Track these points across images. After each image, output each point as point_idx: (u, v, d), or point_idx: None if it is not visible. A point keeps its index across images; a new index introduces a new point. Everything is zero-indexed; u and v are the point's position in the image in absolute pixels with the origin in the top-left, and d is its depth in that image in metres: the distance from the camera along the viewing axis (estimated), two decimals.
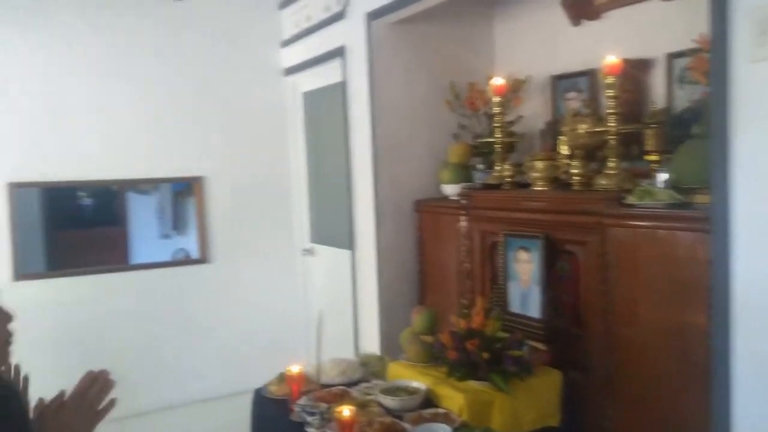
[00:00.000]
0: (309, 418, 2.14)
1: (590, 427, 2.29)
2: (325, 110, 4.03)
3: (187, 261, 4.25)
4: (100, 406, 1.33)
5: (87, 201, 4.32)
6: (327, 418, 2.12)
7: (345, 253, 3.68)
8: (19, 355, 1.41)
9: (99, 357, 1.98)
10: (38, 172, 3.70)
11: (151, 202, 4.51)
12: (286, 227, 4.42)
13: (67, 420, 1.28)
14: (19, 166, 3.65)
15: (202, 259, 4.20)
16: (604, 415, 2.23)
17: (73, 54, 3.75)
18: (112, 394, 1.36)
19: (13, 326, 1.33)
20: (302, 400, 2.26)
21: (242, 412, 2.66)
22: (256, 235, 4.31)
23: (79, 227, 4.26)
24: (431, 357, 2.45)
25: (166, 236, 4.57)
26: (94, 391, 1.33)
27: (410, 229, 3.37)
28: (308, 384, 2.43)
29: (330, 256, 4.08)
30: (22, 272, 3.68)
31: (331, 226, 4.10)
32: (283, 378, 2.50)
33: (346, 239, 3.63)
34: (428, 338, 2.48)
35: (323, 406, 2.18)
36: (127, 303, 3.94)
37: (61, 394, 1.32)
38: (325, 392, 2.35)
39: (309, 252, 4.34)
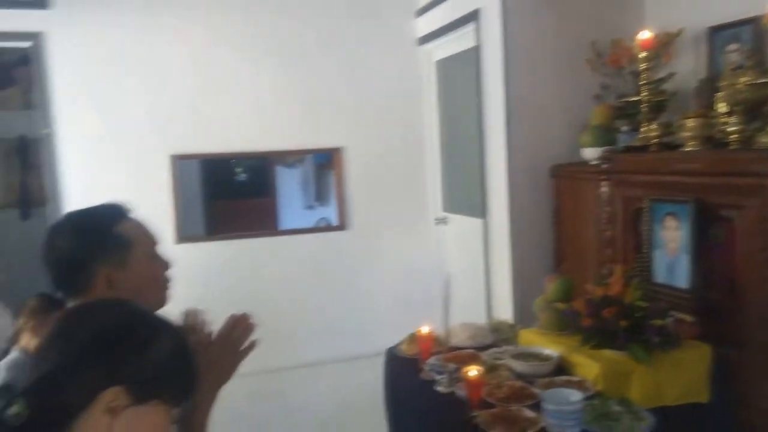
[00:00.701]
0: (438, 377, 2.16)
1: (745, 407, 2.09)
2: (458, 77, 3.99)
3: (327, 228, 4.46)
4: (243, 347, 1.45)
5: (241, 174, 4.69)
6: (455, 378, 2.13)
7: (477, 222, 3.64)
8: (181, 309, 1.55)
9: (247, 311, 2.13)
10: (198, 145, 4.05)
11: (296, 175, 4.79)
12: (419, 197, 4.47)
13: (213, 358, 1.41)
14: (182, 140, 4.02)
15: (341, 227, 4.39)
16: (761, 395, 2.03)
17: (227, 35, 4.05)
18: (253, 336, 1.47)
19: (171, 273, 1.48)
20: (432, 360, 2.29)
21: (376, 373, 2.76)
22: (390, 204, 4.41)
23: (233, 198, 4.65)
24: (564, 325, 2.37)
25: (309, 207, 4.84)
26: (237, 333, 1.44)
27: (545, 196, 3.25)
28: (438, 345, 2.46)
29: (462, 224, 4.07)
30: (183, 236, 4.07)
31: (464, 195, 4.08)
32: (413, 338, 2.54)
33: (478, 208, 3.60)
34: (562, 306, 2.39)
35: (452, 366, 2.19)
36: (274, 265, 4.22)
37: (208, 335, 1.45)
38: (454, 354, 2.36)
39: (442, 221, 4.35)
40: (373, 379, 2.87)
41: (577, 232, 3.09)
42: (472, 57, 3.53)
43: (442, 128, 4.35)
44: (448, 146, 4.31)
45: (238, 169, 4.56)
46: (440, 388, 2.15)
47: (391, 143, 4.39)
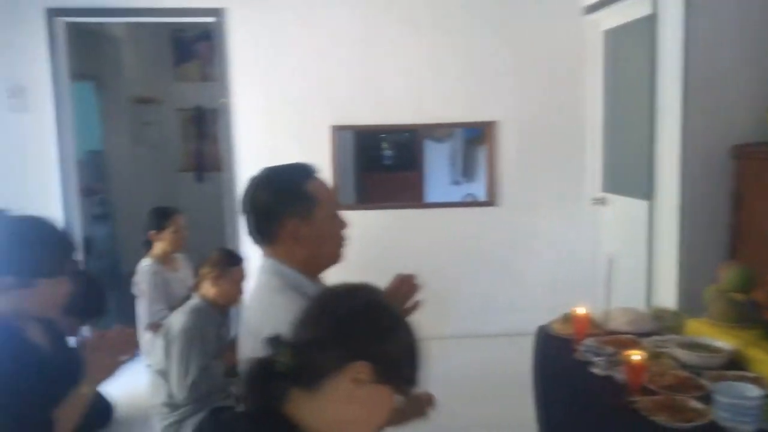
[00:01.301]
0: (595, 359, 2.09)
1: None
2: (628, 48, 3.74)
3: (475, 203, 4.44)
4: (408, 305, 1.51)
5: (390, 148, 4.82)
6: (614, 362, 2.05)
7: (641, 204, 3.42)
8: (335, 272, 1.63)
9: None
10: (356, 116, 4.19)
11: (444, 150, 4.82)
12: (576, 175, 4.29)
13: None
14: (341, 111, 4.18)
15: (490, 202, 4.34)
16: None
17: (389, 8, 4.12)
18: (418, 296, 1.53)
19: (347, 232, 1.56)
20: (588, 341, 2.21)
21: (520, 351, 2.72)
22: (544, 182, 4.28)
23: (381, 170, 4.79)
24: (740, 317, 2.17)
25: (456, 182, 4.85)
26: (403, 291, 1.50)
27: (723, 179, 2.97)
28: (593, 327, 2.37)
29: (623, 205, 3.84)
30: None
31: (627, 175, 3.84)
32: (568, 318, 2.47)
33: (643, 189, 3.37)
34: (739, 296, 2.19)
35: (610, 349, 2.11)
36: (421, 237, 4.29)
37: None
38: (612, 338, 2.27)
39: (600, 201, 4.14)
40: (517, 357, 2.84)
41: (761, 218, 2.79)
42: (646, 26, 3.28)
43: (607, 103, 4.10)
44: (612, 122, 4.07)
45: (385, 145, 4.68)
46: (596, 370, 2.07)
47: (550, 118, 4.23)
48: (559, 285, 4.14)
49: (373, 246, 4.22)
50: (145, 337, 3.32)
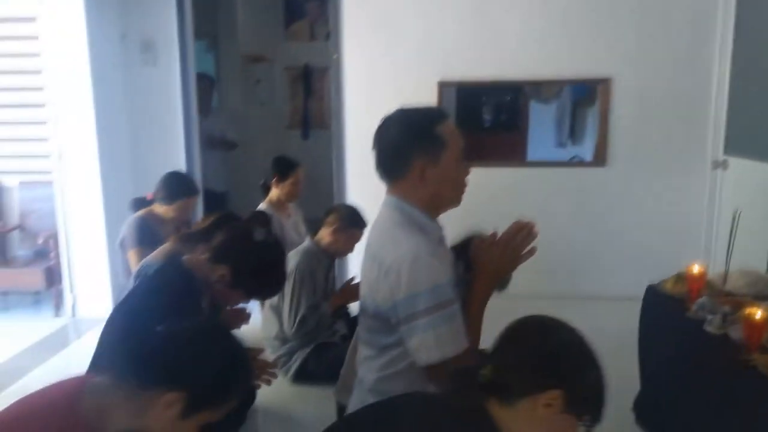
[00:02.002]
0: (710, 317, 2.03)
1: None
2: None
3: (582, 163, 4.31)
4: (524, 251, 1.53)
5: (491, 110, 4.72)
6: (730, 321, 1.98)
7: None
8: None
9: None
10: (462, 72, 4.15)
11: (550, 112, 4.66)
12: (696, 136, 4.03)
13: (495, 256, 1.52)
14: (448, 66, 4.15)
15: (598, 163, 4.20)
16: None
17: None
18: (533, 244, 1.54)
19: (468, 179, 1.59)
20: (703, 300, 2.14)
21: (625, 315, 2.68)
22: (659, 142, 4.07)
23: (484, 127, 4.70)
24: None
25: (561, 145, 4.69)
26: (520, 238, 1.53)
27: None
28: (708, 288, 2.29)
29: (747, 169, 3.59)
30: None
31: (755, 137, 3.57)
32: (680, 278, 2.40)
33: None
34: None
35: (726, 307, 2.03)
36: (522, 196, 4.21)
37: (494, 235, 1.56)
38: (728, 298, 2.18)
39: (720, 164, 3.89)
40: (621, 321, 2.79)
41: None
42: None
43: (737, 57, 3.78)
44: (742, 79, 3.76)
45: (487, 105, 4.58)
46: (710, 329, 2.02)
47: (670, 75, 3.99)
48: (668, 251, 3.96)
49: (471, 204, 4.22)
50: None
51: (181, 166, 4.23)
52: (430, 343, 1.40)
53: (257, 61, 6.47)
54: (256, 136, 6.40)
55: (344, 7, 4.18)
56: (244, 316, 2.23)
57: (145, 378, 1.14)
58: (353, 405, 1.64)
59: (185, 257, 1.84)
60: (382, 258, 1.46)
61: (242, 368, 1.25)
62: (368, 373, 1.56)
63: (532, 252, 1.54)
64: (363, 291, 1.58)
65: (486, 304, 1.55)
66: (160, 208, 3.12)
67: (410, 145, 1.49)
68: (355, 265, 4.12)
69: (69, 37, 3.80)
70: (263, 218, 2.35)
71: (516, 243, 1.53)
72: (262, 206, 3.59)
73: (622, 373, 2.77)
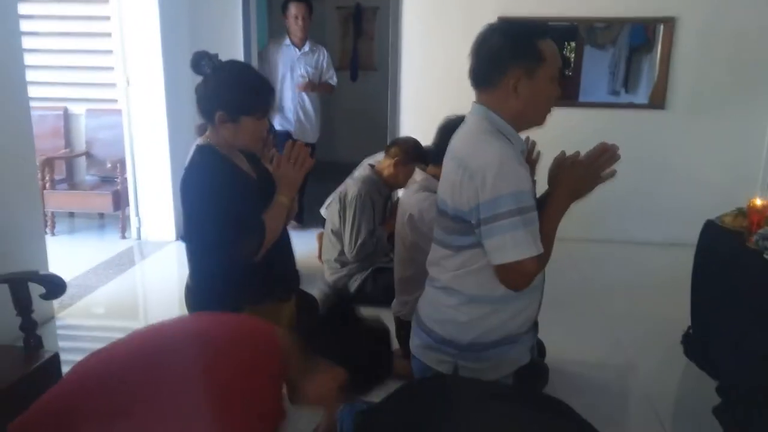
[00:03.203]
0: None
1: None
2: None
3: (639, 105, 4.27)
4: (604, 173, 1.58)
5: None
6: None
7: None
8: None
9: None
10: (520, 7, 4.07)
11: (605, 58, 4.58)
12: (759, 79, 3.95)
13: (577, 174, 1.58)
14: (505, 2, 4.07)
15: (657, 105, 4.15)
16: None
17: None
18: (615, 167, 1.59)
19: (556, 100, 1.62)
20: (764, 230, 2.18)
21: (677, 259, 2.71)
22: (722, 86, 4.01)
23: None
24: None
25: (614, 93, 4.63)
26: (602, 160, 1.58)
27: None
28: None
29: None
30: None
31: None
32: (740, 212, 2.43)
33: None
34: None
35: None
36: (574, 136, 4.18)
37: (577, 153, 1.61)
38: None
39: None
40: (670, 265, 2.83)
41: None
42: None
43: None
44: None
45: None
46: None
47: (735, 13, 3.89)
48: (725, 195, 3.91)
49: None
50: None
51: None
52: (507, 244, 1.47)
53: None
54: None
55: None
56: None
57: (325, 351, 1.39)
58: (423, 304, 1.75)
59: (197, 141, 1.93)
60: (468, 162, 1.53)
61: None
62: (442, 273, 1.66)
63: (611, 174, 1.59)
64: (443, 194, 1.64)
65: (560, 219, 1.61)
66: None
67: (509, 54, 1.51)
68: None
69: None
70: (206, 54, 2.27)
71: (599, 164, 1.57)
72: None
73: (670, 311, 2.88)
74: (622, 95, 4.59)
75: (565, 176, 1.59)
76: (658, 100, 4.15)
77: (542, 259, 1.53)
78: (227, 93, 1.79)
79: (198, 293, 1.88)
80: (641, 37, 4.32)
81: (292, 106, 4.50)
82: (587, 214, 4.05)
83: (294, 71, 4.46)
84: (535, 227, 1.51)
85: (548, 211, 1.59)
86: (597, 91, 4.60)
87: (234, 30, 4.37)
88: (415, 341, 1.75)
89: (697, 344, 2.61)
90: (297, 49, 4.45)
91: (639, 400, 2.50)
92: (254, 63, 4.51)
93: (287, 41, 4.45)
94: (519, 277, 1.51)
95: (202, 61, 1.78)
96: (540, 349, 2.45)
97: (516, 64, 1.51)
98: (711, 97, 4.06)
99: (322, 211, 3.48)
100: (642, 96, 4.30)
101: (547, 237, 1.57)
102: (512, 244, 1.47)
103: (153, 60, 3.96)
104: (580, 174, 1.58)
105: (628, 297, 3.39)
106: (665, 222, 4.13)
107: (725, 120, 4.07)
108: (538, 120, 1.61)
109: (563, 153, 1.65)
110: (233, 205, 1.73)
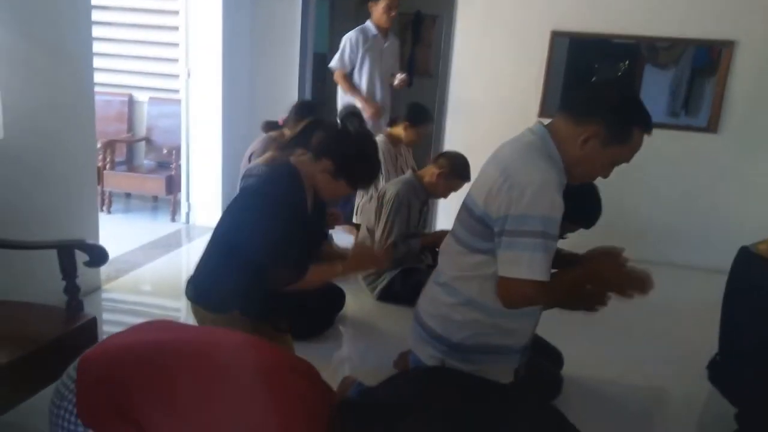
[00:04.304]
0: None
1: None
2: None
3: (691, 127, 4.18)
4: (626, 291, 1.63)
5: (604, 68, 4.58)
6: None
7: None
8: None
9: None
10: (576, 22, 4.09)
11: (666, 78, 4.47)
12: None
13: (609, 276, 1.65)
14: (562, 15, 4.10)
15: (710, 129, 4.07)
16: None
17: None
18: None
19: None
20: None
21: (711, 286, 2.66)
22: None
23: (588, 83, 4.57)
24: None
25: (673, 114, 4.52)
26: (634, 285, 1.63)
27: None
28: None
29: None
30: (546, 112, 4.26)
31: None
32: None
33: None
34: None
35: None
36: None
37: (623, 255, 1.72)
38: None
39: None
40: (705, 291, 2.77)
41: None
42: None
43: None
44: None
45: (600, 63, 4.45)
46: None
47: None
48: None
49: None
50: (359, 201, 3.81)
51: (293, 93, 4.50)
52: (523, 261, 1.50)
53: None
54: None
55: None
56: (339, 216, 2.49)
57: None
58: (423, 299, 1.81)
59: (291, 158, 2.02)
60: (512, 172, 1.56)
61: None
62: (450, 268, 1.71)
63: (630, 296, 1.61)
64: (476, 195, 1.68)
65: (567, 292, 1.65)
66: (288, 132, 3.36)
67: (605, 112, 1.55)
68: (443, 207, 4.27)
69: None
70: (355, 113, 2.52)
71: (629, 283, 1.60)
72: (380, 136, 3.82)
73: (700, 336, 2.82)
74: (682, 117, 4.49)
75: (601, 269, 1.64)
76: (712, 124, 4.07)
77: (540, 298, 1.56)
78: (349, 158, 1.89)
79: (203, 286, 1.98)
80: (705, 59, 4.22)
81: (380, 96, 4.35)
82: (631, 233, 4.03)
83: (383, 62, 4.34)
84: (551, 256, 1.54)
85: (571, 276, 1.64)
86: (656, 111, 4.49)
87: (293, 32, 4.52)
88: (412, 335, 1.81)
89: (722, 370, 2.56)
90: (384, 41, 4.33)
91: (654, 421, 2.47)
92: (308, 65, 4.65)
93: (374, 31, 4.27)
94: (518, 296, 1.55)
95: (351, 119, 2.00)
96: (557, 359, 2.46)
97: (604, 124, 1.54)
98: (764, 124, 3.94)
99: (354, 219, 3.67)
100: (702, 119, 4.20)
101: (555, 291, 1.60)
102: (527, 263, 1.50)
103: (214, 55, 4.16)
104: (611, 278, 1.62)
105: (660, 319, 3.33)
106: (708, 247, 4.02)
107: None
108: (575, 177, 1.64)
109: (619, 250, 1.69)
110: (292, 234, 1.81)
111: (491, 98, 4.29)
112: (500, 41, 4.22)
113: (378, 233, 3.12)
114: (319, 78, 6.13)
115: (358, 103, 4.13)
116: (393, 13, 4.23)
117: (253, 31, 4.40)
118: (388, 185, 3.22)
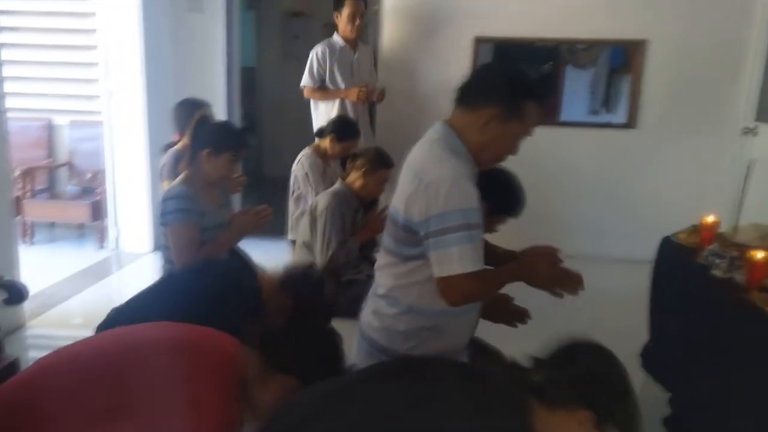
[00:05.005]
0: (717, 261, 2.13)
1: None
2: None
3: (612, 125, 4.36)
4: (561, 289, 1.68)
5: (527, 68, 4.71)
6: (736, 265, 2.08)
7: None
8: None
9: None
10: (498, 27, 4.19)
11: (585, 78, 4.66)
12: (728, 102, 4.05)
13: (544, 272, 1.69)
14: (483, 21, 4.18)
15: (629, 125, 4.25)
16: None
17: None
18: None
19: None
20: (712, 246, 2.24)
21: (638, 277, 2.77)
22: (691, 107, 4.11)
23: None
24: None
25: (594, 112, 4.71)
26: (570, 282, 1.68)
27: None
28: (720, 240, 2.38)
29: None
30: None
31: None
32: (694, 229, 2.49)
33: None
34: None
35: (734, 253, 2.13)
36: (552, 155, 4.27)
37: (557, 254, 1.77)
38: (738, 248, 2.27)
39: (751, 131, 3.91)
40: (634, 281, 2.88)
41: None
42: None
43: None
44: None
45: (522, 67, 4.57)
46: (717, 272, 2.12)
47: (705, 37, 4.00)
48: (690, 214, 4.01)
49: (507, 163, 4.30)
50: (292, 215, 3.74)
51: (221, 108, 4.42)
52: (453, 256, 1.51)
53: (296, 16, 6.55)
54: (293, 90, 6.53)
55: None
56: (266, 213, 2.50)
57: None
58: (366, 312, 1.80)
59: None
60: (424, 174, 1.57)
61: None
62: (386, 279, 1.71)
63: (560, 295, 1.68)
64: (396, 203, 1.68)
65: (505, 284, 1.68)
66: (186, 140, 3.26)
67: (496, 94, 1.58)
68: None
69: None
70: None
71: (564, 280, 1.66)
72: (306, 150, 3.74)
73: (630, 325, 2.92)
74: (602, 114, 4.67)
75: (537, 265, 1.70)
76: (630, 120, 4.25)
77: (480, 290, 1.59)
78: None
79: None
80: (621, 59, 4.41)
81: (355, 111, 4.05)
82: (557, 229, 4.15)
83: (355, 76, 4.04)
84: (480, 244, 1.56)
85: (506, 270, 1.68)
86: (577, 110, 4.68)
87: (217, 46, 4.45)
88: (357, 349, 1.80)
89: (652, 356, 2.66)
90: (353, 52, 4.07)
91: None
92: (236, 79, 4.59)
93: (341, 43, 4.02)
94: (458, 293, 1.56)
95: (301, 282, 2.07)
96: (496, 357, 2.49)
97: (498, 104, 1.58)
98: (679, 120, 4.15)
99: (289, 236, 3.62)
100: (621, 116, 4.38)
101: (490, 283, 1.64)
102: (458, 258, 1.52)
103: (135, 73, 4.03)
104: (547, 274, 1.67)
105: (590, 310, 3.41)
106: (633, 239, 4.15)
107: (692, 140, 4.16)
108: (489, 162, 1.68)
109: (555, 249, 1.76)
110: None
111: (418, 107, 4.30)
112: (424, 47, 4.28)
113: (318, 247, 3.09)
114: (249, 92, 6.09)
115: (339, 100, 3.98)
116: (358, 22, 3.98)
117: (175, 47, 4.30)
118: (318, 198, 3.20)
